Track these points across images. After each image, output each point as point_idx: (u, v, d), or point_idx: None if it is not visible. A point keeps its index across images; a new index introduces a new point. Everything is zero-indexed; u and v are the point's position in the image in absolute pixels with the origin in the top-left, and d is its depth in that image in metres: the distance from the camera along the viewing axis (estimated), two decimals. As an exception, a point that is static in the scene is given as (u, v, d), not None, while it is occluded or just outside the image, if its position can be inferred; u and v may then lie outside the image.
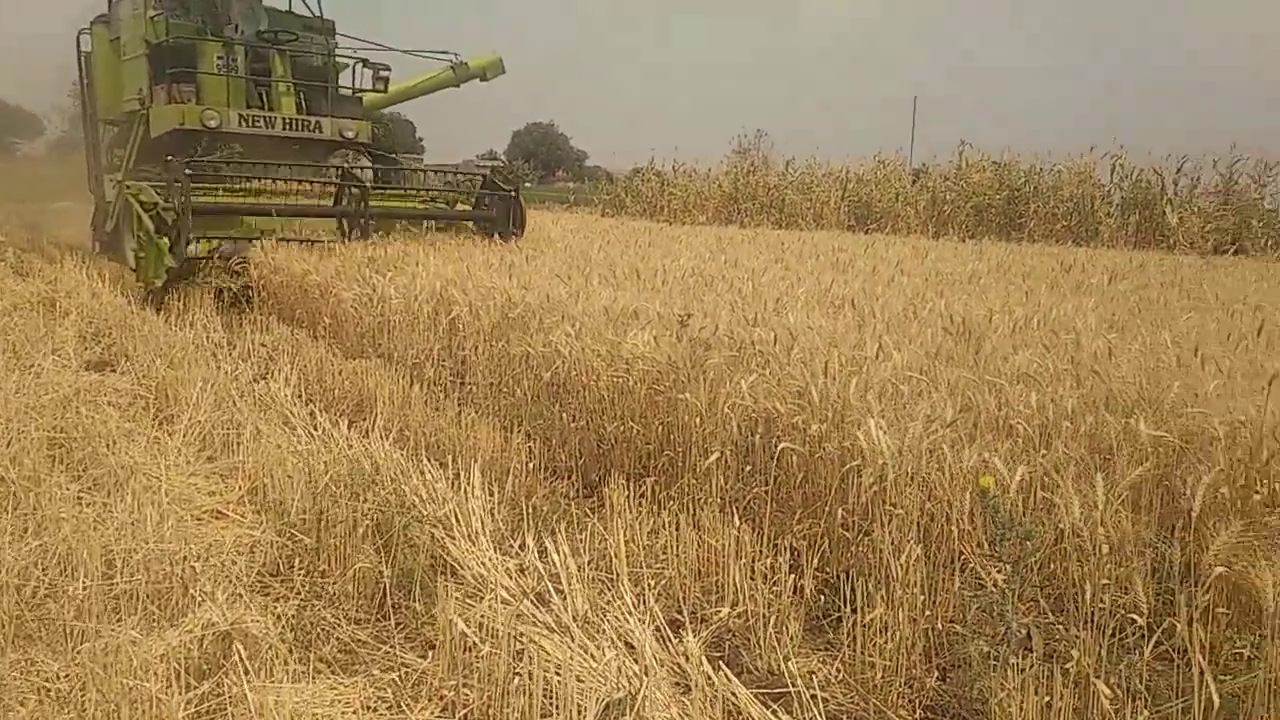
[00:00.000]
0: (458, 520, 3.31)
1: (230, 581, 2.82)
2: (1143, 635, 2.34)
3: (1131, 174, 16.24)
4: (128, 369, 5.84)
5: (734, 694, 2.50)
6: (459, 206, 11.33)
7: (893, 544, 2.77)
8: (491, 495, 3.49)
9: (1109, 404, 3.21)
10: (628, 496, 3.25)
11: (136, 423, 4.45)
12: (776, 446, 3.22)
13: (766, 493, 3.26)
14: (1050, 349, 3.91)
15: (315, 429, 4.26)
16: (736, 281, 6.14)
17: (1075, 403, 3.21)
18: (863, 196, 20.23)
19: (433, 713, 2.41)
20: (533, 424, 4.30)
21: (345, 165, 10.47)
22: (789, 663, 2.55)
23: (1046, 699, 2.22)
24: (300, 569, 3.00)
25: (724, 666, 2.58)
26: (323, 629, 2.73)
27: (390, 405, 4.47)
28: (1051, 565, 2.80)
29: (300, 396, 4.99)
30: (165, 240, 8.43)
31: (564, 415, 4.12)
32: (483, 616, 2.64)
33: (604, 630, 2.75)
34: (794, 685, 2.43)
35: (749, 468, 3.40)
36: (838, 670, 2.65)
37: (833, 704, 2.53)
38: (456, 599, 2.91)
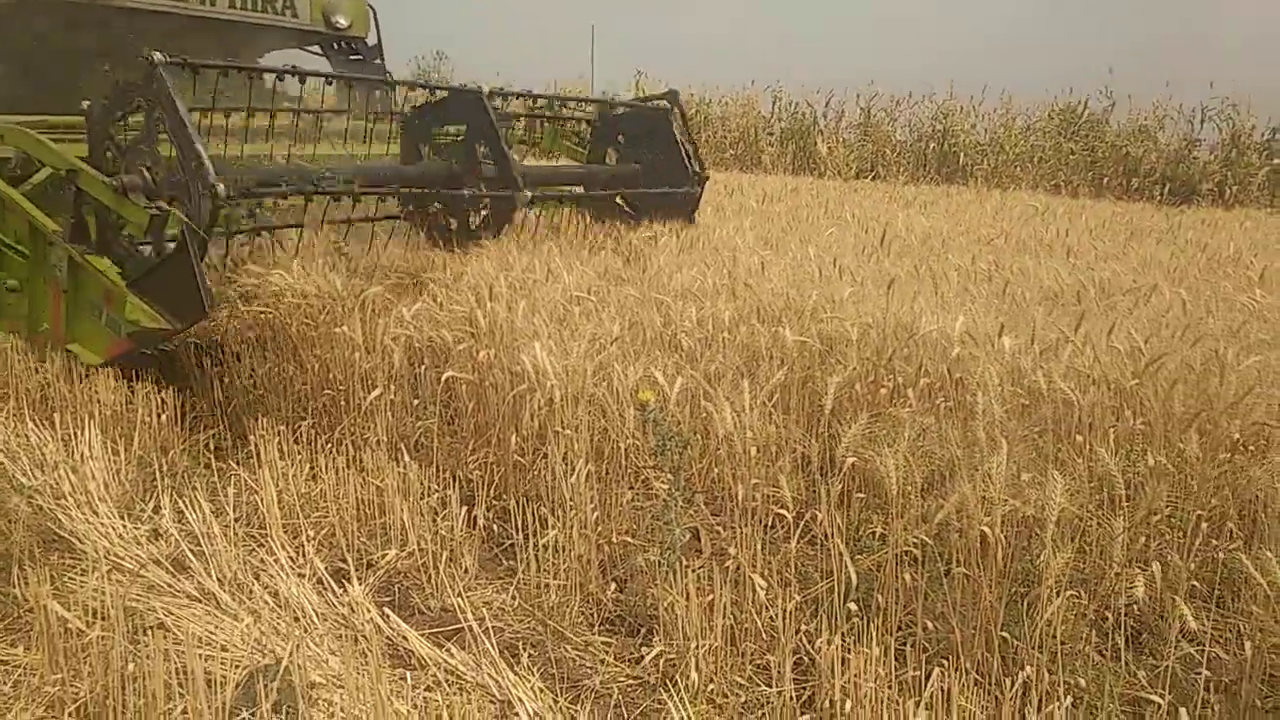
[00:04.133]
0: (72, 486, 2.83)
1: None
2: (792, 525, 2.49)
3: (790, 107, 17.59)
4: None
5: (404, 637, 2.36)
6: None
7: (565, 464, 2.73)
8: (116, 456, 3.02)
9: (760, 315, 3.38)
10: (279, 443, 2.94)
11: None
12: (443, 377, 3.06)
13: (436, 426, 3.09)
14: (710, 266, 4.05)
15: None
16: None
17: (731, 315, 3.34)
18: (546, 125, 20.19)
19: (35, 713, 2.02)
20: (165, 370, 3.77)
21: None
22: (460, 597, 2.43)
23: (710, 598, 2.29)
24: None
25: (392, 611, 2.43)
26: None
27: (-19, 361, 3.72)
28: (713, 470, 2.91)
29: None
30: (108, 262, 3.58)
31: (205, 360, 3.66)
32: (98, 593, 2.26)
33: (254, 592, 2.48)
34: (466, 619, 2.33)
35: (417, 401, 3.21)
36: (513, 598, 2.59)
37: (508, 632, 2.46)
38: (69, 576, 2.49)
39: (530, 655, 2.36)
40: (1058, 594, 2.08)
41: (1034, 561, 2.26)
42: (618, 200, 5.52)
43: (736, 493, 2.41)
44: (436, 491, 2.82)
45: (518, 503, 2.80)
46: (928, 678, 2.00)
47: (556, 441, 2.78)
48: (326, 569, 2.58)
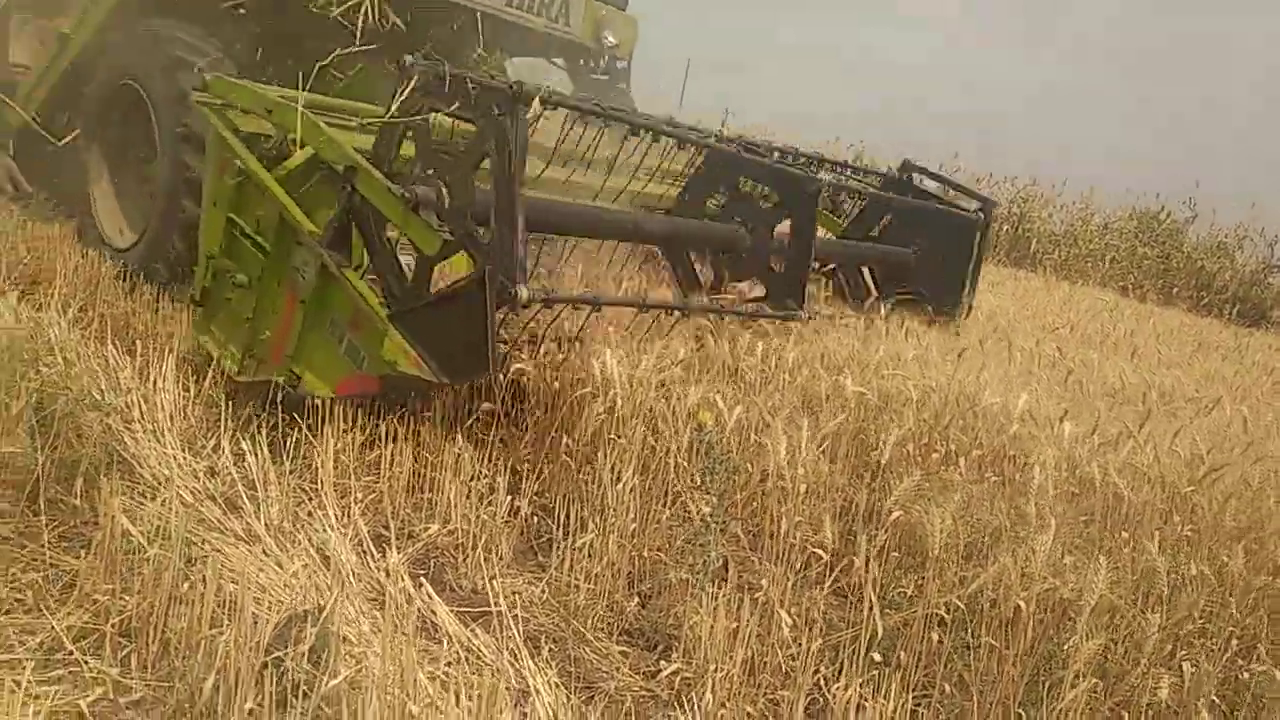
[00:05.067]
0: (142, 413, 2.95)
1: None
2: (826, 570, 2.52)
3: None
4: None
5: (433, 610, 2.42)
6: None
7: (613, 473, 2.79)
8: (186, 391, 3.14)
9: (823, 360, 3.42)
10: (344, 405, 3.04)
11: None
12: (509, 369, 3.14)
13: (495, 415, 3.17)
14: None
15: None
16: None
17: (795, 356, 3.39)
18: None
19: (80, 618, 2.12)
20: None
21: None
22: (494, 581, 2.49)
23: (735, 624, 2.33)
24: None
25: (426, 583, 2.49)
26: (-50, 520, 2.32)
27: (73, 281, 3.89)
28: (754, 503, 2.94)
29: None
30: (366, 283, 3.04)
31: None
32: (157, 517, 2.35)
33: (299, 541, 2.56)
34: (496, 604, 2.38)
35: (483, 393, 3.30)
36: (543, 592, 2.64)
37: (533, 623, 2.51)
38: (128, 497, 2.59)
39: (551, 649, 2.41)
40: (1082, 680, 2.08)
41: (1062, 644, 2.26)
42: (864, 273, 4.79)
43: (779, 527, 2.44)
44: (486, 477, 2.89)
45: (561, 501, 2.86)
46: (941, 740, 2.01)
47: (609, 449, 2.84)
48: (369, 533, 2.66)
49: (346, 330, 3.04)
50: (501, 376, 3.06)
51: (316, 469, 2.86)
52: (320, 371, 3.11)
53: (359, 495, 2.80)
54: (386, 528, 2.72)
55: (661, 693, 2.37)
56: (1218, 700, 2.37)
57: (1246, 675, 2.45)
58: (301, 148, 3.22)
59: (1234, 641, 2.44)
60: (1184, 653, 2.44)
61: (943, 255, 4.82)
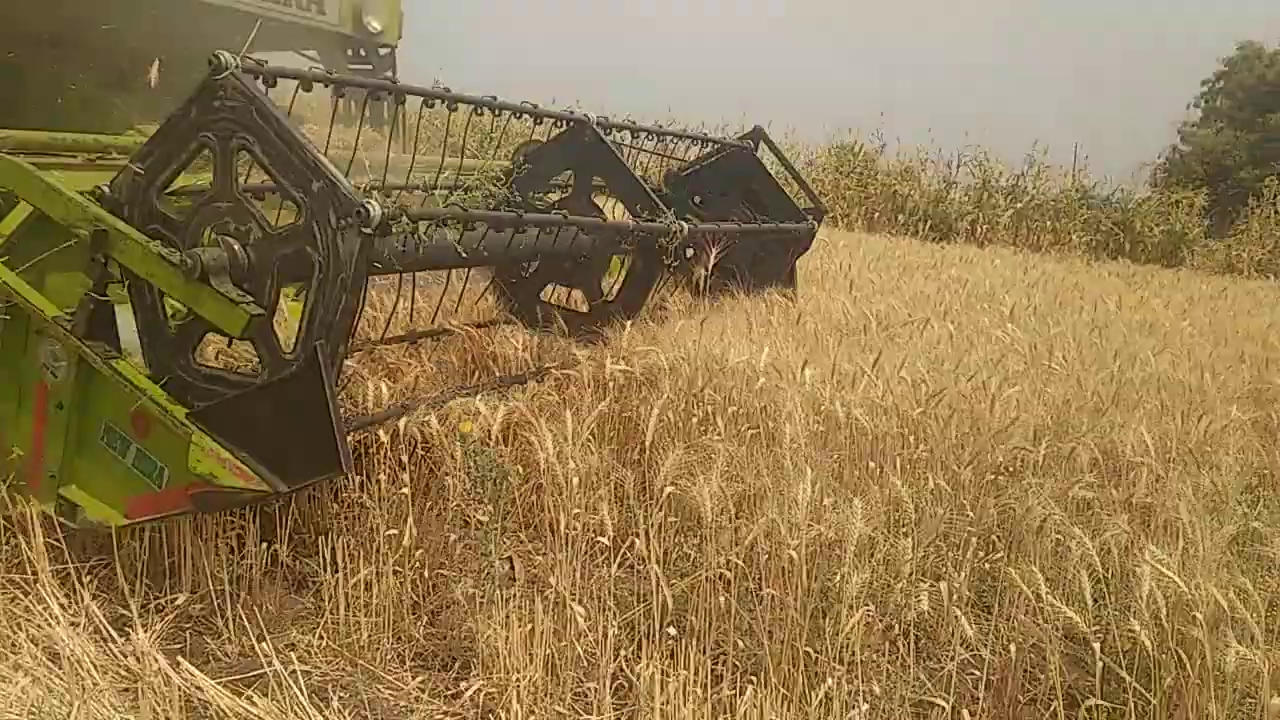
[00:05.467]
0: None
1: None
2: (611, 552, 2.54)
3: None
4: None
5: (198, 687, 2.19)
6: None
7: (380, 496, 2.65)
8: None
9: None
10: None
11: None
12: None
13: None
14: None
15: None
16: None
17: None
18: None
19: None
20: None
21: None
22: (262, 642, 2.29)
23: (529, 627, 2.29)
24: None
25: (184, 659, 2.25)
26: None
27: None
28: (531, 498, 2.91)
29: None
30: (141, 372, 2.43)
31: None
32: None
33: (21, 645, 2.23)
34: (269, 664, 2.20)
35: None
36: (321, 638, 2.47)
37: (316, 675, 2.35)
38: None
39: (341, 698, 2.27)
40: (856, 609, 2.24)
41: (834, 580, 2.42)
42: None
43: (558, 522, 2.43)
44: (233, 528, 2.65)
45: (326, 538, 2.68)
46: (742, 693, 2.10)
47: (377, 471, 2.68)
48: (107, 616, 2.36)
49: (131, 437, 2.42)
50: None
51: (28, 556, 2.48)
52: (103, 493, 2.49)
53: (86, 578, 2.47)
54: (127, 607, 2.41)
55: (466, 714, 2.30)
56: (968, 592, 2.64)
57: (987, 566, 2.75)
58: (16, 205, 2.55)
59: (974, 540, 2.72)
60: (934, 560, 2.70)
61: (759, 204, 4.76)
